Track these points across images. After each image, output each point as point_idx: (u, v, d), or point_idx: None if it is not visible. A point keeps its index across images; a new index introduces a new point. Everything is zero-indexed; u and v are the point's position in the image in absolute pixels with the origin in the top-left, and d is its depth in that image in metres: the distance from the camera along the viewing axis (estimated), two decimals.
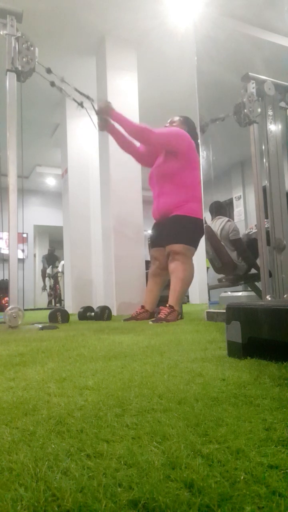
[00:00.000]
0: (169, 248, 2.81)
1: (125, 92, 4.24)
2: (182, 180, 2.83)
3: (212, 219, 3.62)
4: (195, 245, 2.87)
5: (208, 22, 2.85)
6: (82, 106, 2.85)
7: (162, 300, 3.07)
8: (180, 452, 0.45)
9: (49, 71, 2.59)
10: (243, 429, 0.52)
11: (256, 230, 2.63)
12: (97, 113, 2.83)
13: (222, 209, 3.76)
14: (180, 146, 2.84)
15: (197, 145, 2.93)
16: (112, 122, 2.92)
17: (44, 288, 10.49)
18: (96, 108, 2.80)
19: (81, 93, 2.76)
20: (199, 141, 2.95)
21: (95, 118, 2.94)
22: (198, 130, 2.86)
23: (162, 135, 2.82)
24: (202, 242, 2.96)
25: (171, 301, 2.71)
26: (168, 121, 3.11)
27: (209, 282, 3.58)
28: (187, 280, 2.79)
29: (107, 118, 2.89)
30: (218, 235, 3.39)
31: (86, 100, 2.77)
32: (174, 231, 2.79)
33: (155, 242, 3.04)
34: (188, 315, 3.21)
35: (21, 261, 9.82)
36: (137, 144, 3.05)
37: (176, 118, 3.08)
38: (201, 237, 2.92)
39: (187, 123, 3.06)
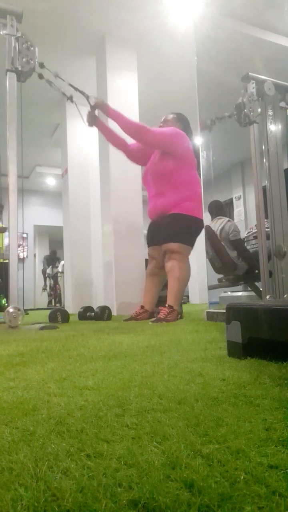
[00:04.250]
0: (166, 247, 2.79)
1: (125, 92, 4.24)
2: (179, 179, 2.80)
3: (212, 219, 3.62)
4: (191, 244, 2.84)
5: (208, 22, 2.85)
6: (72, 101, 2.80)
7: (161, 300, 3.07)
8: (180, 452, 0.45)
9: (41, 65, 2.54)
10: (243, 429, 0.52)
11: (256, 231, 2.63)
12: (92, 107, 2.79)
13: (222, 208, 3.76)
14: (177, 146, 2.81)
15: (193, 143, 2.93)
16: (99, 117, 2.89)
17: (44, 288, 10.49)
18: (91, 102, 2.76)
19: (75, 88, 2.71)
20: (197, 140, 2.94)
21: (84, 113, 2.89)
22: (198, 129, 2.85)
23: (159, 134, 2.79)
24: (202, 242, 2.95)
25: (170, 301, 2.71)
26: (162, 120, 3.05)
27: (209, 282, 3.58)
28: (184, 279, 2.78)
29: (95, 113, 2.87)
30: (218, 235, 3.39)
31: (77, 95, 2.74)
32: (170, 230, 2.77)
33: (152, 240, 3.01)
34: (188, 315, 3.21)
35: (21, 261, 9.83)
36: (129, 141, 3.00)
37: (170, 116, 3.03)
38: (197, 235, 2.88)
39: (181, 120, 3.01)
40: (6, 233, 4.80)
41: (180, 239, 2.75)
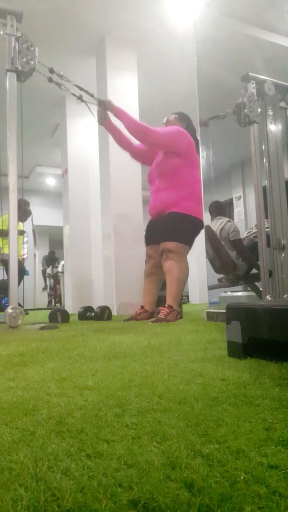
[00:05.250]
0: (163, 246, 2.77)
1: (125, 92, 4.24)
2: (181, 177, 2.79)
3: (212, 219, 3.62)
4: (190, 243, 2.82)
5: (208, 22, 2.85)
6: (82, 100, 2.83)
7: (160, 300, 3.07)
8: (180, 452, 0.45)
9: (51, 71, 2.60)
10: (243, 429, 0.52)
11: (256, 231, 2.63)
12: (99, 104, 2.80)
13: (222, 209, 3.76)
14: (180, 145, 2.81)
15: (196, 140, 2.91)
16: (111, 117, 2.90)
17: (44, 288, 10.50)
18: (97, 100, 2.79)
19: (80, 88, 2.74)
20: (198, 136, 2.94)
21: (94, 111, 2.93)
22: (197, 127, 2.85)
23: (162, 135, 2.79)
24: (202, 242, 2.95)
25: (169, 301, 2.70)
26: (164, 121, 3.05)
27: (209, 282, 3.58)
28: (183, 279, 2.77)
29: (106, 112, 2.88)
30: (218, 235, 3.39)
31: (85, 94, 2.77)
32: (168, 229, 2.75)
33: (149, 239, 2.99)
34: (188, 315, 3.21)
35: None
36: (134, 141, 3.00)
37: (172, 117, 3.02)
38: (196, 235, 2.87)
39: (183, 119, 3.01)
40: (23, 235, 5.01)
41: (177, 238, 2.73)
